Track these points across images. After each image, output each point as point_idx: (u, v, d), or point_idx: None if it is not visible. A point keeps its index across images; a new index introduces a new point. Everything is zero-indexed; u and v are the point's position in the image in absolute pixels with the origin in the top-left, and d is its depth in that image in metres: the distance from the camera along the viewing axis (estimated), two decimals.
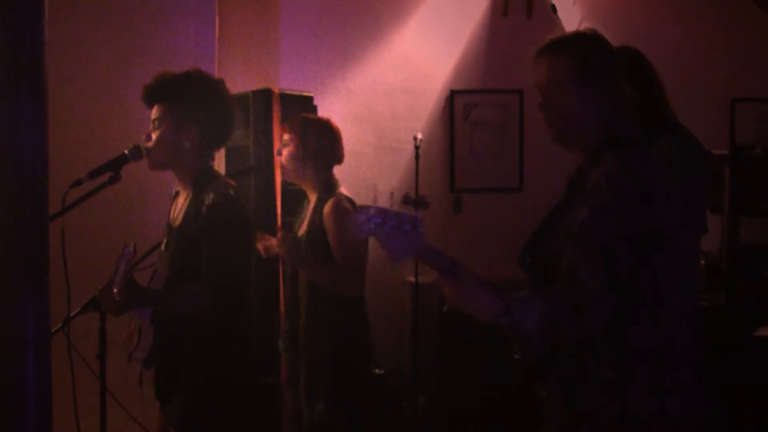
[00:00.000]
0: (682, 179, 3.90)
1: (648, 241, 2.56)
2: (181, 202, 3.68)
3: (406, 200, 2.39)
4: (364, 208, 2.42)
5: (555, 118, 2.78)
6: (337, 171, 4.48)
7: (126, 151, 3.56)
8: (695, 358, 2.69)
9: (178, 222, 3.63)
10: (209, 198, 3.49)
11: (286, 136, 4.40)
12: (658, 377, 2.60)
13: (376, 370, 5.45)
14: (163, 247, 3.71)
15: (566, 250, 2.58)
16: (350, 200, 4.34)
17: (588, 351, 2.61)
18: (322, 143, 4.37)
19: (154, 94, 3.62)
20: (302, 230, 4.37)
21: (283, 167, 4.44)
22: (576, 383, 2.66)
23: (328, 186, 4.35)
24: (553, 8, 7.03)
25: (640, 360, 2.59)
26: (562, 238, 2.65)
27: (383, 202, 2.16)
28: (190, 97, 3.57)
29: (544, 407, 2.81)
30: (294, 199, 4.71)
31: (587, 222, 2.56)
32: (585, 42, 2.83)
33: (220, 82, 3.72)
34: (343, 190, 4.38)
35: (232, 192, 3.56)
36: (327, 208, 4.28)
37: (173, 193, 3.80)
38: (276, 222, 4.98)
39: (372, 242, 4.48)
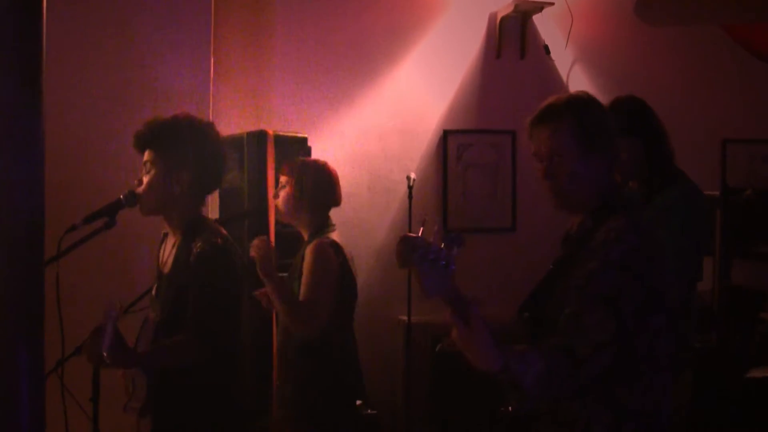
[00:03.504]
0: (683, 229, 3.93)
1: (650, 300, 2.58)
2: (170, 248, 3.67)
3: (446, 238, 2.29)
4: (408, 239, 2.37)
5: (560, 186, 2.78)
6: (332, 212, 4.50)
7: (121, 197, 3.56)
8: (682, 419, 2.69)
9: (167, 268, 3.63)
10: (197, 246, 3.49)
11: (283, 179, 4.42)
12: None
13: (368, 410, 5.43)
14: (153, 292, 3.71)
15: (571, 299, 2.58)
16: (335, 245, 4.34)
17: (580, 410, 2.62)
18: (318, 186, 4.38)
19: (143, 140, 3.62)
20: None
21: (278, 208, 4.45)
22: None
23: (321, 229, 4.36)
24: (546, 50, 7.08)
25: (629, 420, 2.60)
26: (564, 295, 2.65)
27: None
28: (179, 144, 3.56)
29: None
30: (290, 241, 4.71)
31: (596, 273, 2.57)
32: (584, 108, 2.81)
33: (210, 126, 3.72)
34: (335, 234, 4.39)
35: (219, 241, 3.54)
36: (309, 248, 4.29)
37: (161, 236, 3.82)
38: None
39: (361, 281, 4.54)
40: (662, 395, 2.66)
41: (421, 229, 2.37)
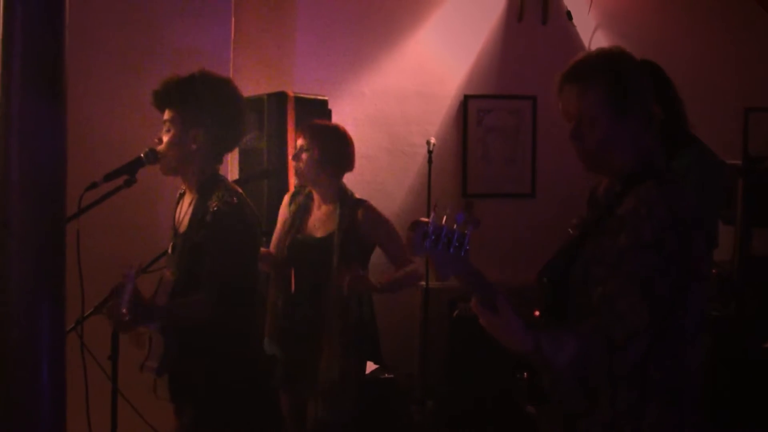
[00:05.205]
0: (696, 194, 3.89)
1: (684, 274, 2.48)
2: (186, 206, 3.70)
3: (459, 220, 2.20)
4: (420, 225, 2.29)
5: (588, 149, 2.62)
6: (351, 174, 4.51)
7: (141, 155, 3.57)
8: (703, 397, 2.63)
9: (183, 227, 3.65)
10: (212, 205, 3.51)
11: (302, 142, 4.41)
12: (669, 414, 2.54)
13: (385, 374, 5.45)
14: (170, 250, 3.74)
15: (603, 279, 2.51)
16: None
17: (605, 384, 2.54)
18: (339, 151, 4.41)
19: (161, 99, 3.64)
20: (321, 233, 4.37)
21: (299, 172, 4.44)
22: (580, 415, 2.61)
23: (344, 192, 4.39)
24: (569, 15, 7.03)
25: (656, 395, 2.52)
26: (589, 262, 2.58)
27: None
28: (194, 100, 3.58)
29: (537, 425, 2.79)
30: None
31: (628, 253, 2.47)
32: (617, 67, 2.63)
33: (227, 82, 3.72)
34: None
35: (235, 199, 3.56)
36: (362, 214, 4.37)
37: (178, 194, 3.83)
38: None
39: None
40: (691, 367, 2.57)
41: (432, 213, 2.32)
